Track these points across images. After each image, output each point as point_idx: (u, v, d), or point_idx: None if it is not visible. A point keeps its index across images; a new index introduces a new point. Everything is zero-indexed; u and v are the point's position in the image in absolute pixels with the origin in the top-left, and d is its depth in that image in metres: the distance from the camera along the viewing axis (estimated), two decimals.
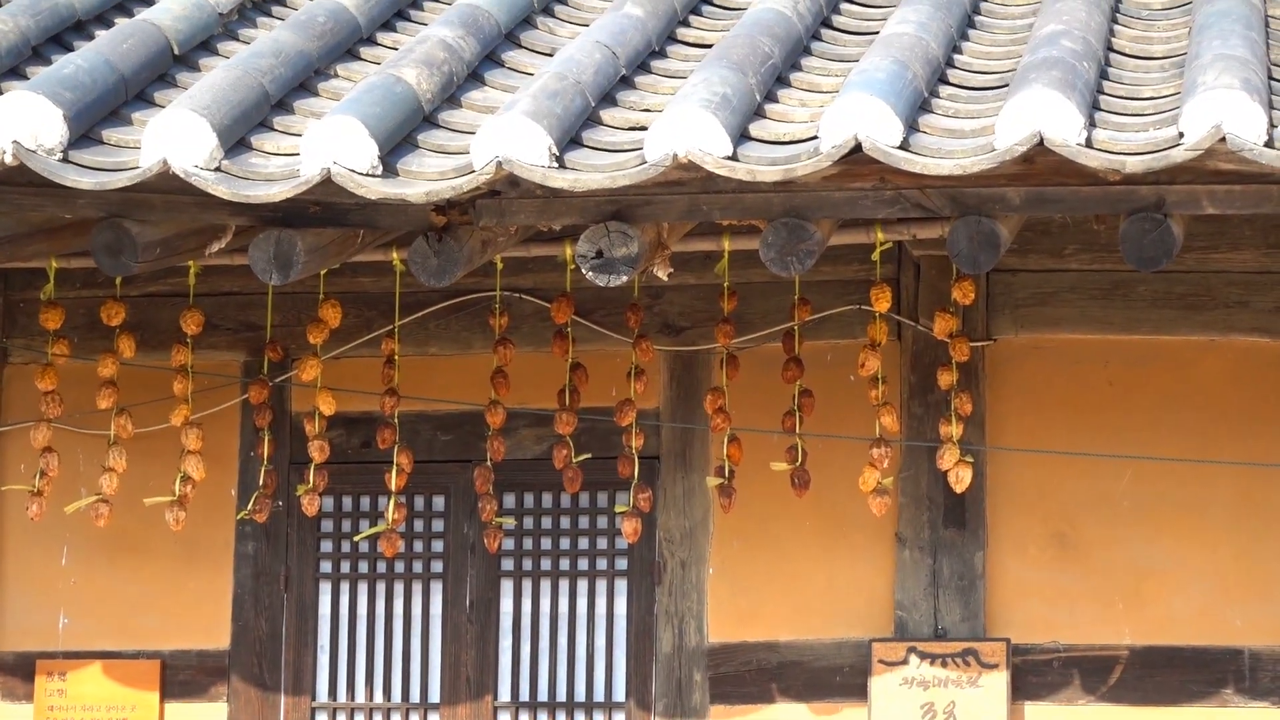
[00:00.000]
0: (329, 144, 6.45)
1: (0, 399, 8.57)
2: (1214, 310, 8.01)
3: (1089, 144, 6.25)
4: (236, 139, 6.66)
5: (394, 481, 7.82)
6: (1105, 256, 7.75)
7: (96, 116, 6.78)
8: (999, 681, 7.90)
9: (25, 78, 7.04)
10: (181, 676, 8.38)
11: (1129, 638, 7.97)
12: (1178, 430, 7.97)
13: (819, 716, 8.08)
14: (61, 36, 7.50)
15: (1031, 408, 8.09)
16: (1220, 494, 7.95)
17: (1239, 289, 7.99)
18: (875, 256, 7.52)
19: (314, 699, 8.41)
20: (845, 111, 6.30)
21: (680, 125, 6.34)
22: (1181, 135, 6.20)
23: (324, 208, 6.70)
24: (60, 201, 6.76)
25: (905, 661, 7.94)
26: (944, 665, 7.91)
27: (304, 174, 6.44)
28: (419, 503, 8.41)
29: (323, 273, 7.47)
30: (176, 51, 7.29)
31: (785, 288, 7.67)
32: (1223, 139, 6.13)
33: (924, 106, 6.64)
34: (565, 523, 8.41)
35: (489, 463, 7.92)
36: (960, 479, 7.57)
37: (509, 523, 8.22)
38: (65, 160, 6.57)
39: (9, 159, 6.51)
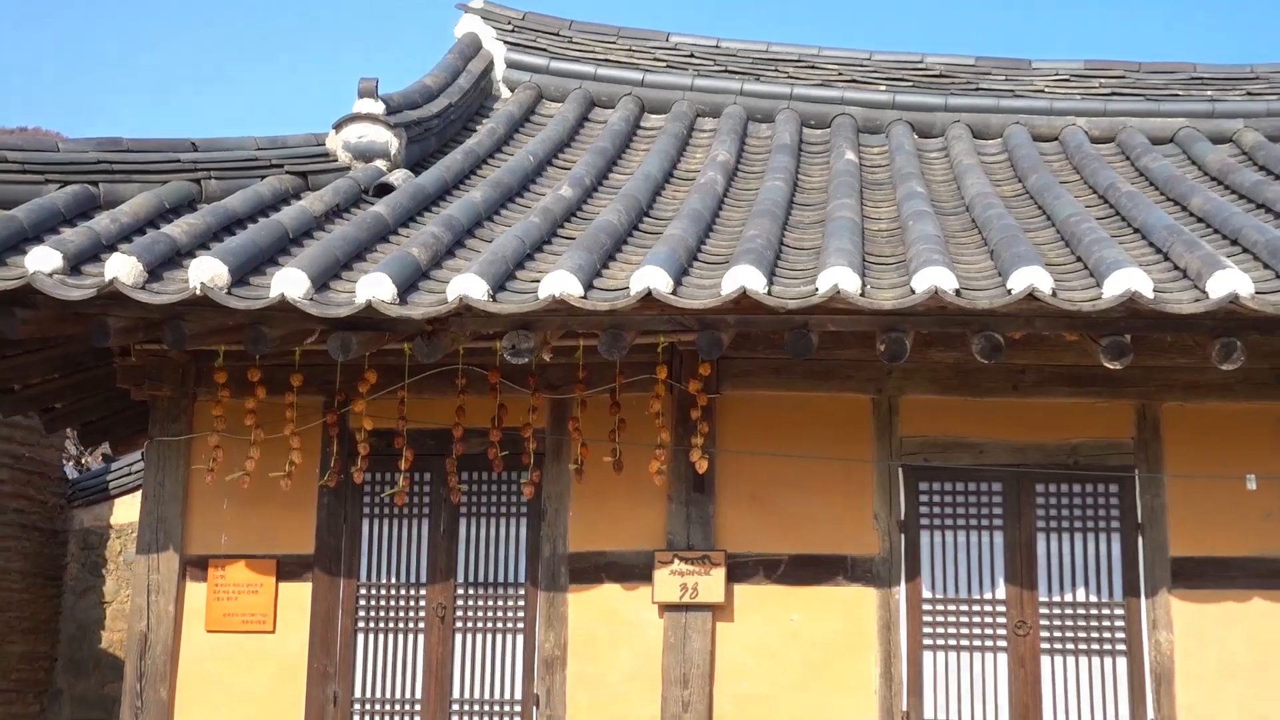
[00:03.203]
0: (370, 288, 6.58)
1: (193, 419, 8.37)
2: (835, 380, 7.97)
3: (769, 294, 6.42)
4: (321, 284, 6.75)
5: (403, 465, 7.82)
6: (779, 351, 7.54)
7: (246, 270, 6.85)
8: (720, 573, 7.85)
9: (208, 248, 7.10)
10: (287, 568, 8.22)
11: (788, 550, 7.93)
12: (817, 440, 7.92)
13: (627, 591, 7.98)
14: (230, 226, 7.57)
15: (740, 429, 8.04)
16: (835, 474, 7.91)
17: (849, 368, 7.95)
18: (659, 350, 7.62)
19: (358, 580, 8.25)
20: (643, 275, 6.51)
21: (557, 281, 6.51)
22: (817, 289, 6.39)
23: (368, 320, 6.75)
24: (225, 315, 6.83)
25: (672, 562, 7.88)
26: (692, 564, 7.86)
27: (356, 303, 6.56)
28: (416, 477, 8.25)
29: (366, 354, 7.41)
30: (290, 236, 7.38)
31: (612, 365, 7.62)
32: (838, 292, 6.31)
33: (685, 272, 6.81)
34: (494, 488, 8.28)
35: (454, 456, 7.92)
36: (701, 466, 7.68)
37: (463, 488, 8.09)
38: (228, 293, 6.64)
39: (197, 292, 6.59)
